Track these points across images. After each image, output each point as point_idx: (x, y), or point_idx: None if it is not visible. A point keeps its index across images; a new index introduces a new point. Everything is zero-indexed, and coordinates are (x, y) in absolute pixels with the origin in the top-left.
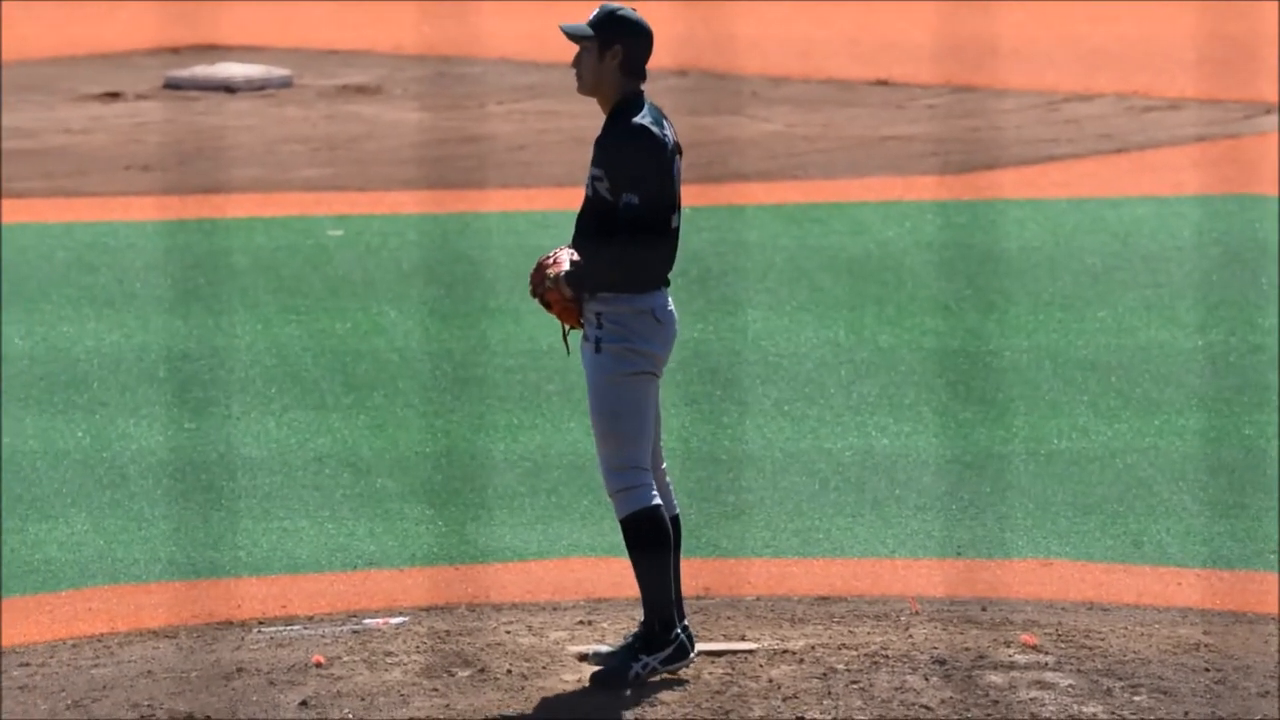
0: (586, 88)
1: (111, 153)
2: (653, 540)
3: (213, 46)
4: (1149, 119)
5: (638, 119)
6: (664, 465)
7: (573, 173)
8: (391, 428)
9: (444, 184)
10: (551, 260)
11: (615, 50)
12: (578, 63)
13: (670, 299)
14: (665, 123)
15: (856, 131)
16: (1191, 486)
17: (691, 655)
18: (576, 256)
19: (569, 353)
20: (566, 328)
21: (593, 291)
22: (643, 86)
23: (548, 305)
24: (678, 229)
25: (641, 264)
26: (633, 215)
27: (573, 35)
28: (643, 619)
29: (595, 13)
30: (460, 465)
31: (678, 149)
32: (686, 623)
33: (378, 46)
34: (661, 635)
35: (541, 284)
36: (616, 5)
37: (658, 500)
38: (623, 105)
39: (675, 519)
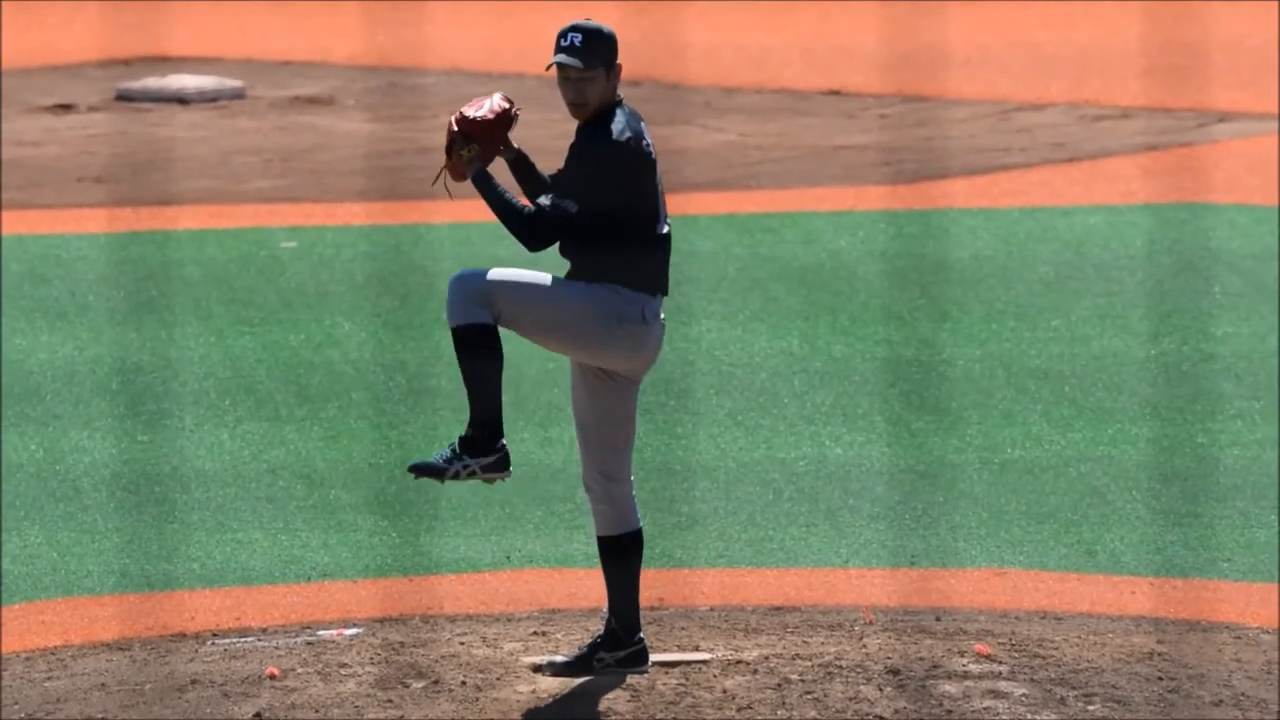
0: (589, 111)
1: (63, 165)
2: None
3: (164, 58)
4: (1100, 128)
5: (617, 131)
6: (630, 478)
7: None
8: (345, 439)
9: (397, 195)
10: (485, 113)
11: (618, 68)
12: (579, 91)
13: (662, 311)
14: (643, 126)
15: (809, 141)
16: (1144, 495)
17: (649, 663)
18: (512, 109)
19: (434, 183)
20: (445, 174)
21: (488, 198)
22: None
23: (448, 148)
24: (668, 236)
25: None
26: (562, 219)
27: (588, 68)
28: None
29: (578, 37)
30: (413, 477)
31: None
32: (642, 634)
33: (330, 58)
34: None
35: (459, 133)
36: (590, 22)
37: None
38: (599, 113)
39: (638, 532)
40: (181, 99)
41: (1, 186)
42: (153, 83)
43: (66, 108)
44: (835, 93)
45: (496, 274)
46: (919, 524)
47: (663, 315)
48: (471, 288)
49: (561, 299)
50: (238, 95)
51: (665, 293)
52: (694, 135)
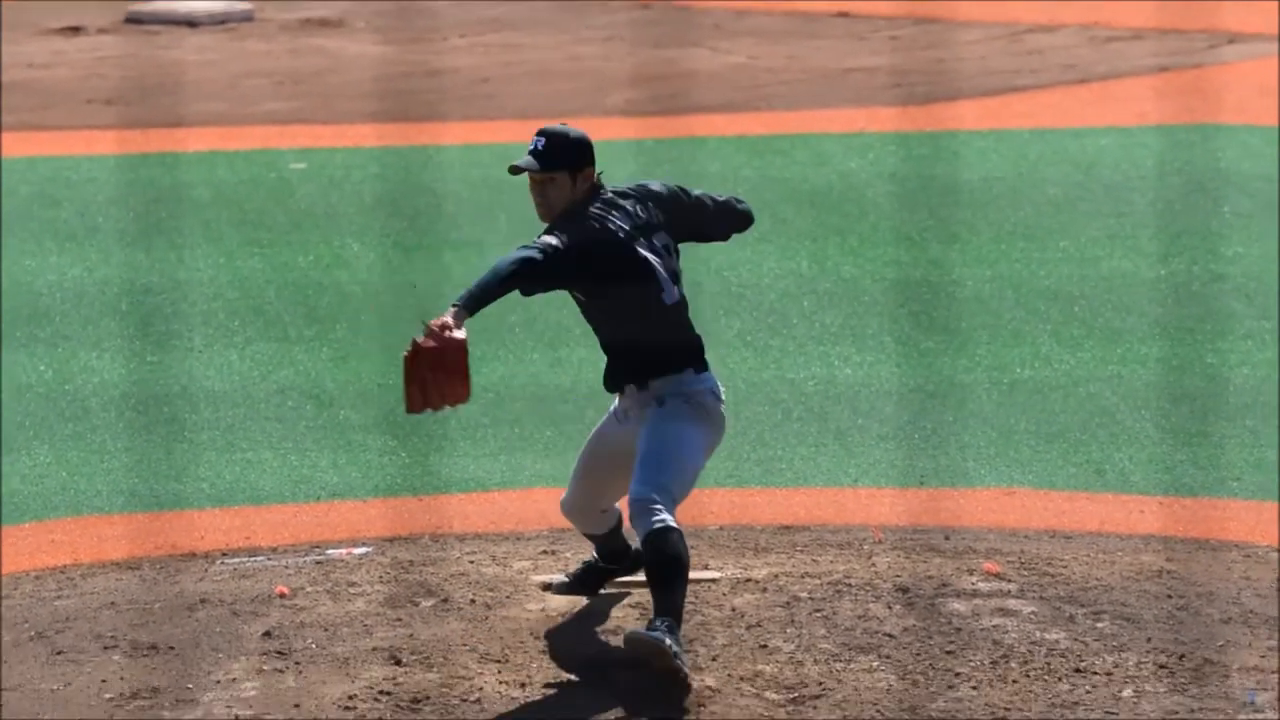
0: (555, 213)
1: (73, 87)
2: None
3: None
4: (1111, 49)
5: (568, 223)
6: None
7: (536, 105)
8: (354, 360)
9: (406, 117)
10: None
11: (588, 173)
12: (541, 192)
13: (720, 390)
14: (626, 205)
15: (819, 63)
16: (1154, 414)
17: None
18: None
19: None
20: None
21: (481, 300)
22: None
23: (411, 373)
24: (681, 304)
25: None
26: (527, 259)
27: (549, 171)
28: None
29: (542, 141)
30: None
31: (647, 229)
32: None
33: None
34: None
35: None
36: (561, 128)
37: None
38: (563, 215)
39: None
40: (191, 22)
41: (1, 109)
42: (162, 6)
43: (75, 30)
44: (845, 15)
45: (665, 482)
46: (928, 444)
47: (722, 392)
48: (648, 500)
49: (688, 447)
50: (247, 18)
51: (702, 352)
52: (703, 58)
